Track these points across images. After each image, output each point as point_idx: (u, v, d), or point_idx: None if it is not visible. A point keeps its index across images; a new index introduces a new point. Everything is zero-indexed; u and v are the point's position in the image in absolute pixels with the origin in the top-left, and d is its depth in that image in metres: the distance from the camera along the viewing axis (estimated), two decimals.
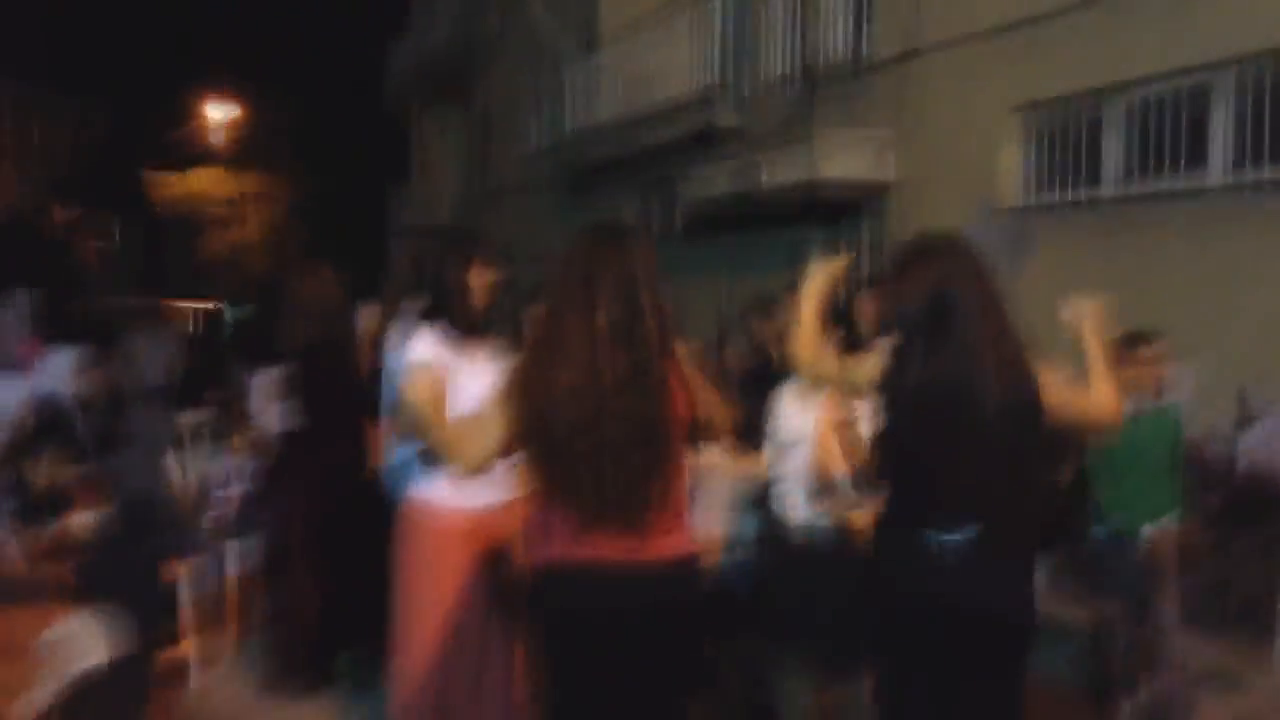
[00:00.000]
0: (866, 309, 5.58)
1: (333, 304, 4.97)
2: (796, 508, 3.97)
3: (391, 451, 4.15)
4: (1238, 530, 5.64)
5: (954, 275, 2.86)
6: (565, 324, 2.68)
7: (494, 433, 2.70)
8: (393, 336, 4.07)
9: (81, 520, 4.40)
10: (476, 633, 3.59)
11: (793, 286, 4.69)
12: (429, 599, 3.59)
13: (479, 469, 2.77)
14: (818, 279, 3.12)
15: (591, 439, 2.61)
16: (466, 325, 3.67)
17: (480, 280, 3.74)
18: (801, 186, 9.63)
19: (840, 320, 4.02)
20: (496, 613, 3.59)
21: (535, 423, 2.65)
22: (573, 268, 2.73)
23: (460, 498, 3.56)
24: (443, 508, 3.59)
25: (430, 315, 3.70)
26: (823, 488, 3.90)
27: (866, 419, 3.44)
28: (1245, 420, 6.20)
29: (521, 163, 17.06)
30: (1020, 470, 2.79)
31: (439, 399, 3.51)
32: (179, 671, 4.84)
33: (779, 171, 9.88)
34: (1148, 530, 4.50)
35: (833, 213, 10.34)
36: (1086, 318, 3.08)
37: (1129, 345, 4.47)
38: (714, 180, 10.95)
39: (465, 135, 20.69)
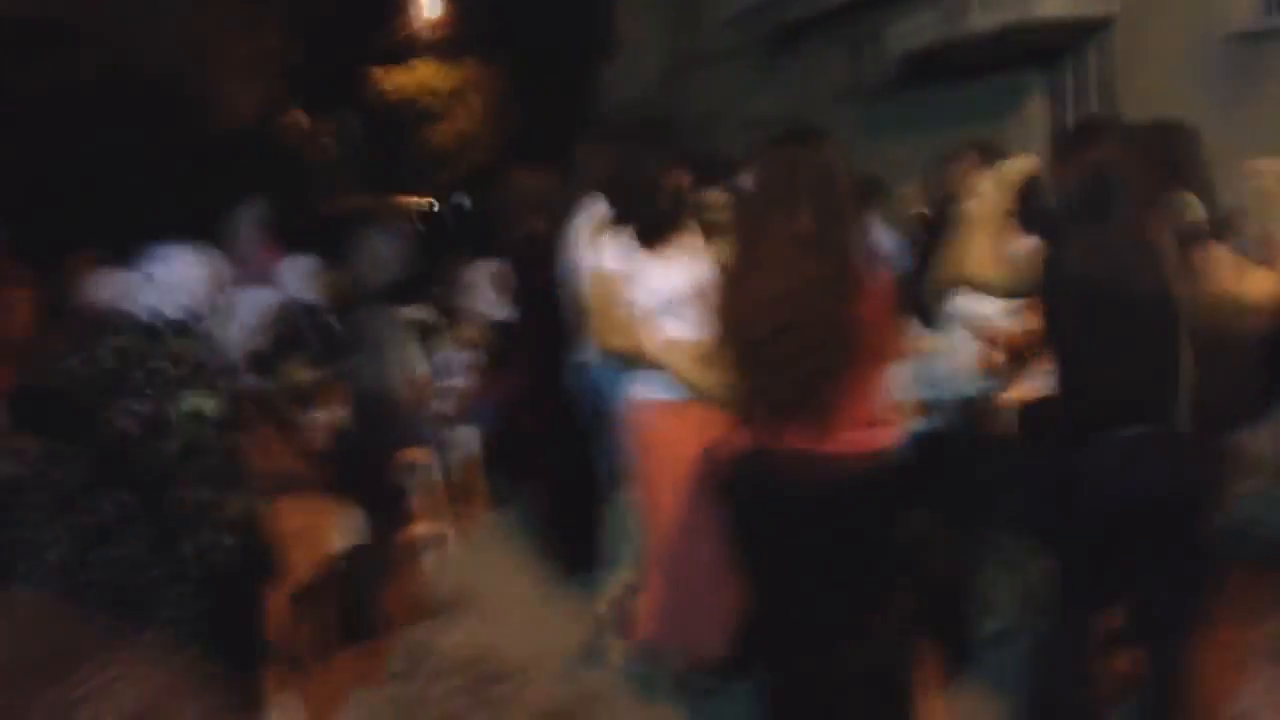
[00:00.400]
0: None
1: (547, 198, 5.05)
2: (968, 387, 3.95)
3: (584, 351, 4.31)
4: None
5: (1115, 160, 2.72)
6: (767, 230, 2.78)
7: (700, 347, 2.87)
8: (578, 235, 4.18)
9: (322, 420, 4.82)
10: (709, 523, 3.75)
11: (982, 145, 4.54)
12: (667, 488, 3.74)
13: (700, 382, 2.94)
14: (991, 193, 2.99)
15: (790, 342, 2.75)
16: (655, 231, 3.74)
17: (671, 183, 3.79)
18: (1014, 28, 9.08)
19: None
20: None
21: (737, 326, 2.77)
22: (771, 175, 2.80)
23: (675, 392, 3.68)
24: (663, 402, 3.70)
25: (618, 220, 3.78)
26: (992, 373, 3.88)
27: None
28: None
29: (724, 27, 16.74)
30: (1180, 362, 2.68)
31: (618, 308, 3.63)
32: (413, 552, 5.34)
33: (992, 12, 9.33)
34: None
35: (1053, 53, 9.73)
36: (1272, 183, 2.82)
37: None
38: (924, 26, 10.46)
39: (665, 3, 20.43)
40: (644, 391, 3.71)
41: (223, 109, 19.82)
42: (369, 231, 10.21)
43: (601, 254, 3.73)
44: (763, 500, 2.85)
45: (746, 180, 2.95)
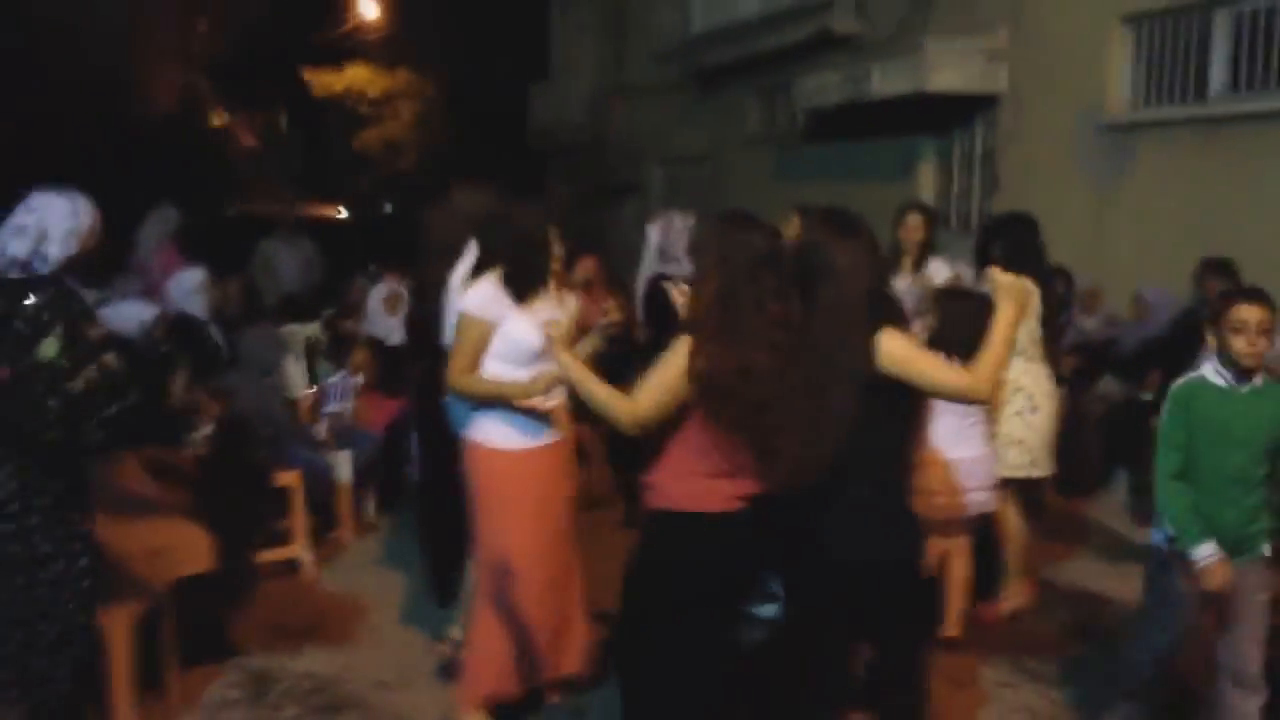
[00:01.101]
0: (911, 228, 5.65)
1: (478, 219, 4.99)
2: None
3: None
4: None
5: (821, 244, 3.07)
6: (738, 309, 3.00)
7: (661, 399, 3.04)
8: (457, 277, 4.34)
9: (194, 438, 4.95)
10: (553, 566, 3.91)
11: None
12: (505, 530, 3.85)
13: (640, 427, 3.09)
14: (1009, 308, 3.07)
15: (770, 413, 2.98)
16: (525, 282, 3.91)
17: (545, 240, 3.96)
18: (909, 97, 9.56)
19: None
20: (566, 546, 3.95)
21: (718, 396, 2.99)
22: (732, 256, 3.03)
23: (520, 438, 3.82)
24: (506, 447, 3.83)
25: (489, 266, 3.90)
26: None
27: None
28: None
29: (651, 63, 17.12)
30: (884, 432, 3.06)
31: (480, 352, 3.84)
32: (290, 570, 5.46)
33: (889, 80, 9.81)
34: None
35: (945, 121, 10.24)
36: (1003, 292, 3.09)
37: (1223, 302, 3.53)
38: (827, 86, 10.92)
39: (600, 33, 20.76)
40: (483, 435, 3.85)
41: (143, 97, 19.65)
42: (270, 242, 10.26)
43: (471, 297, 3.85)
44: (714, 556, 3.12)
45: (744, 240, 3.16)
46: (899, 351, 2.97)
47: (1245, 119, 7.18)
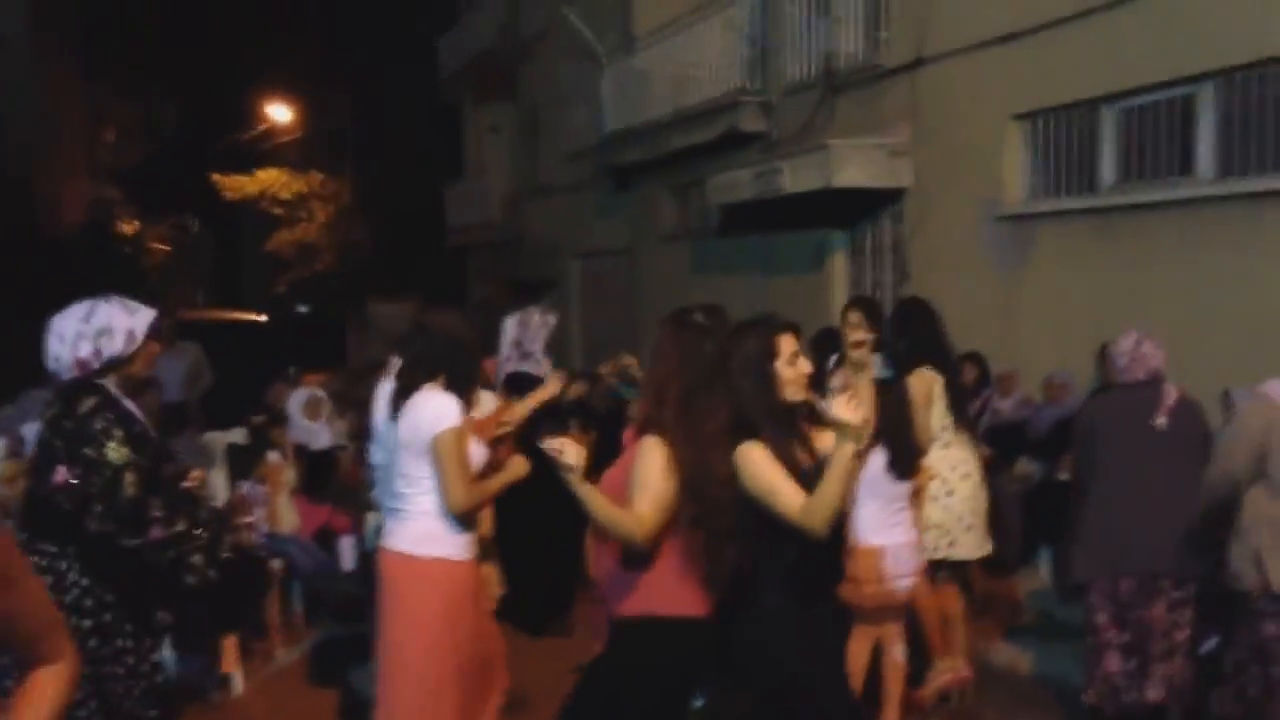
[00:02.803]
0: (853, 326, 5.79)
1: (401, 329, 5.01)
2: None
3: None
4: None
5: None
6: (705, 416, 3.11)
7: (663, 507, 3.10)
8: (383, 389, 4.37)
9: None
10: (463, 677, 3.85)
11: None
12: (417, 642, 3.77)
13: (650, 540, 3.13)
14: (845, 447, 3.01)
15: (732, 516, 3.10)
16: (471, 388, 3.98)
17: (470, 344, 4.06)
18: (819, 192, 9.89)
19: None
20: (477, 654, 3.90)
21: (697, 501, 3.09)
22: (692, 360, 3.17)
23: (440, 548, 3.79)
24: (424, 557, 3.78)
25: (427, 378, 3.93)
26: None
27: None
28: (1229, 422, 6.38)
29: (566, 161, 17.47)
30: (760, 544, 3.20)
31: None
32: (214, 678, 5.34)
33: (799, 176, 10.13)
34: None
35: (854, 214, 10.60)
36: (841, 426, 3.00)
37: None
38: (740, 183, 11.24)
39: (513, 133, 21.13)
40: (392, 543, 3.83)
41: (52, 209, 19.41)
42: (187, 346, 10.14)
43: (445, 411, 3.80)
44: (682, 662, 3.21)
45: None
46: (748, 468, 3.09)
47: (1135, 209, 7.58)
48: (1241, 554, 3.96)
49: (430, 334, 3.97)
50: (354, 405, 5.04)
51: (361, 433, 5.07)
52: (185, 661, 5.20)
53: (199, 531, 3.47)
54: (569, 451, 3.09)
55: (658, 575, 3.19)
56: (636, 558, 3.19)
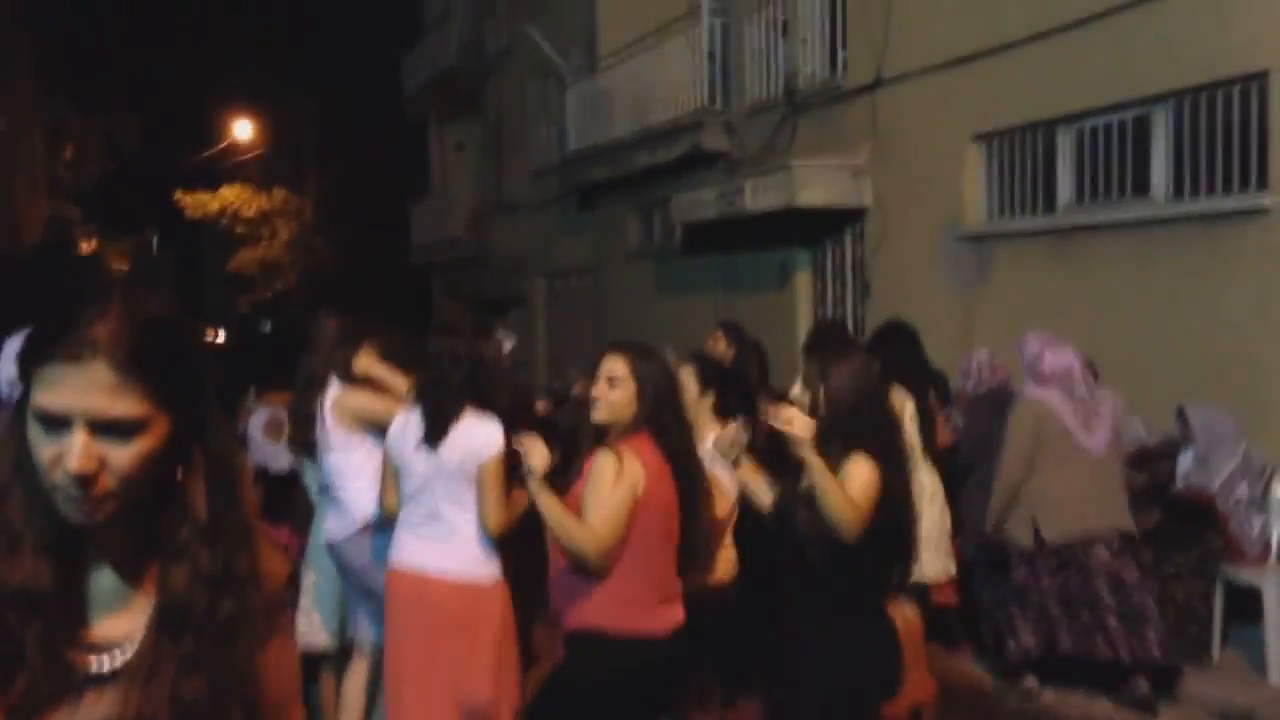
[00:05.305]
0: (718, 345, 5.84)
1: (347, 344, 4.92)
2: None
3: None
4: (1174, 548, 5.90)
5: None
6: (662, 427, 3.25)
7: (620, 523, 3.16)
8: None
9: None
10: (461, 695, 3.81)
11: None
12: (416, 662, 3.80)
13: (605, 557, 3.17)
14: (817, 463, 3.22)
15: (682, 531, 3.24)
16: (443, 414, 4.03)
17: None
18: (782, 211, 9.95)
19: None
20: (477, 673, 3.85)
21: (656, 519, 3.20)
22: (672, 390, 3.31)
23: (495, 569, 3.85)
24: (485, 578, 3.84)
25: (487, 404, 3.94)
26: None
27: None
28: (1183, 441, 6.46)
29: (531, 179, 17.47)
30: None
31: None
32: None
33: (761, 196, 10.20)
34: None
35: (817, 233, 10.66)
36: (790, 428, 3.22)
37: None
38: (703, 202, 11.29)
39: (478, 151, 21.13)
40: (400, 559, 3.86)
41: (8, 229, 19.16)
42: None
43: (494, 436, 3.84)
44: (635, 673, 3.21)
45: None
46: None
47: (1091, 229, 7.68)
48: (1019, 519, 5.17)
49: (459, 359, 3.95)
50: (302, 420, 4.91)
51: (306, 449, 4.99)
52: None
53: None
54: (534, 452, 3.15)
55: (609, 590, 3.19)
56: (589, 570, 3.20)
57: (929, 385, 5.84)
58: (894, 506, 3.19)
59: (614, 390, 3.25)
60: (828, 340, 5.40)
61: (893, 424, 3.30)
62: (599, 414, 3.28)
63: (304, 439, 4.93)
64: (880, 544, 3.19)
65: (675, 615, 3.30)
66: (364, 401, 4.49)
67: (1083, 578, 5.16)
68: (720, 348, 5.90)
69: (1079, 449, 5.16)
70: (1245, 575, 5.70)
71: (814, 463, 3.10)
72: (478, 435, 3.81)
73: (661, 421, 3.26)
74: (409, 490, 3.95)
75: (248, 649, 1.35)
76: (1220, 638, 5.72)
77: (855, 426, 3.22)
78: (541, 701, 3.31)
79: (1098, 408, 5.32)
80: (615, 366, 3.27)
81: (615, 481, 3.12)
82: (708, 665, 4.40)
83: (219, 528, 1.33)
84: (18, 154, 20.68)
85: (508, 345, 5.96)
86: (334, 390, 4.57)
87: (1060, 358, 5.30)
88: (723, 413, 4.19)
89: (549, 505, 3.14)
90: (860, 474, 3.17)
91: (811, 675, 3.20)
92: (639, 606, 3.19)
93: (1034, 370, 5.35)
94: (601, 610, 3.19)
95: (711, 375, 4.35)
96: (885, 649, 3.32)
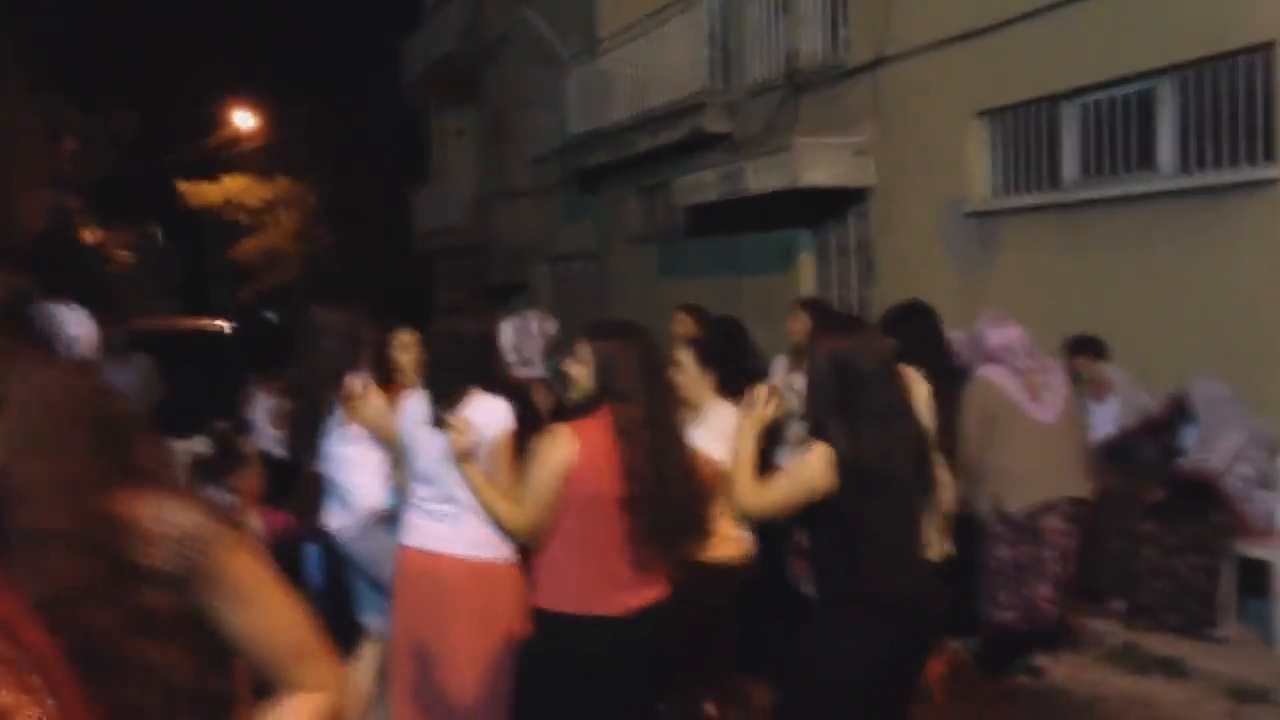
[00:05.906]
0: (796, 324, 5.80)
1: (352, 338, 4.85)
2: None
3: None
4: (1177, 523, 5.86)
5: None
6: (635, 417, 3.23)
7: (545, 503, 3.23)
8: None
9: None
10: (471, 682, 3.75)
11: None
12: (427, 641, 3.76)
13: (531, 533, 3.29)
14: (747, 431, 3.34)
15: (655, 507, 3.22)
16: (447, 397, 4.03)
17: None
18: (785, 192, 9.89)
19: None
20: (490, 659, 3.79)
21: (592, 500, 3.20)
22: (624, 366, 3.26)
23: (507, 550, 3.76)
24: (498, 559, 3.77)
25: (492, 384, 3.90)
26: None
27: None
28: (1184, 414, 6.42)
29: (532, 164, 17.40)
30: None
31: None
32: None
33: (764, 177, 10.14)
34: None
35: (821, 213, 10.61)
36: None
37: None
38: (706, 184, 11.23)
39: (478, 137, 21.05)
40: (412, 540, 3.82)
41: (9, 220, 19.13)
42: (139, 358, 9.92)
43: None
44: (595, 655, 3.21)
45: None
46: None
47: (1097, 204, 7.61)
48: (983, 495, 5.20)
49: (463, 340, 3.90)
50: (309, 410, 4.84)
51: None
52: None
53: None
54: (464, 431, 3.40)
55: (548, 569, 3.29)
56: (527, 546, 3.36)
57: (946, 369, 5.77)
58: (867, 493, 3.07)
59: (577, 369, 3.36)
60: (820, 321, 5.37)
61: (894, 408, 3.17)
62: (573, 393, 3.46)
63: (305, 444, 4.87)
64: (844, 534, 3.10)
65: (634, 597, 3.25)
66: (380, 418, 4.37)
67: (1034, 549, 5.21)
68: (687, 330, 5.86)
69: (1028, 420, 5.20)
70: (1256, 550, 5.66)
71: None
72: (483, 415, 3.77)
73: (616, 395, 3.26)
74: (419, 471, 3.92)
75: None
76: (1233, 613, 5.69)
77: (821, 412, 3.17)
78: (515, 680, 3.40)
79: (1047, 379, 5.35)
80: (581, 346, 3.37)
81: (543, 460, 3.22)
82: (723, 650, 4.33)
83: None
84: (17, 148, 20.65)
85: (550, 329, 5.85)
86: (354, 384, 4.47)
87: (1002, 333, 5.33)
88: (726, 389, 4.16)
89: (475, 481, 3.40)
90: (800, 467, 3.16)
91: (799, 667, 3.18)
92: (578, 587, 3.22)
93: (981, 349, 5.41)
94: (544, 589, 3.29)
95: (711, 355, 4.31)
96: (867, 638, 3.20)
